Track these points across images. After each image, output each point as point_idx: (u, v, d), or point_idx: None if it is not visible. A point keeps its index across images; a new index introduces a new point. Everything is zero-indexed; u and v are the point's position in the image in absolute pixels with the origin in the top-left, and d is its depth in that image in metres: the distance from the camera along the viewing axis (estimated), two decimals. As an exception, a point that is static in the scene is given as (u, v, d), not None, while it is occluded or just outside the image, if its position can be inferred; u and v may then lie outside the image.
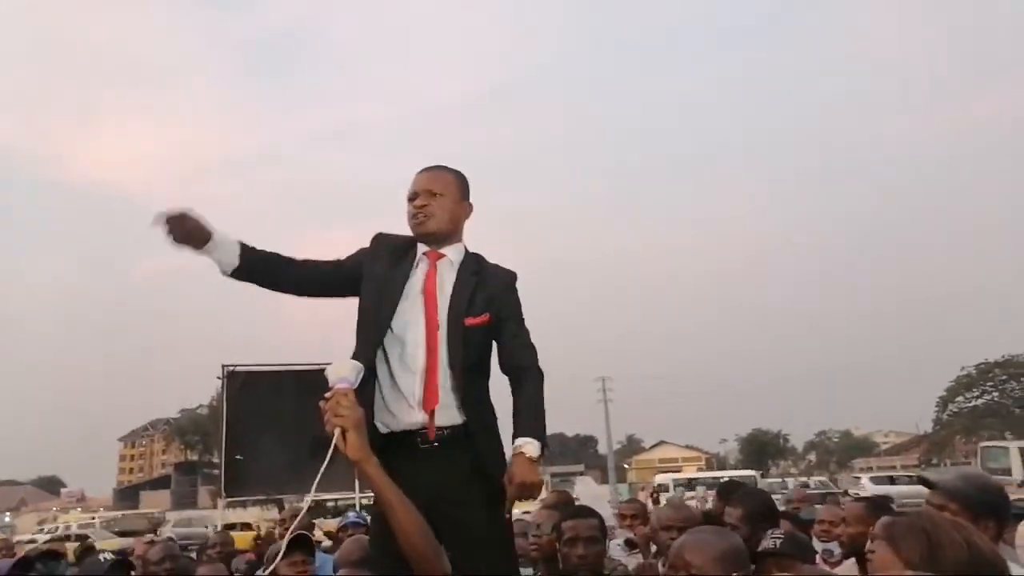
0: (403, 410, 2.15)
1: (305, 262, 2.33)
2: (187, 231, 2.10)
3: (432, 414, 2.12)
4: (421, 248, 2.32)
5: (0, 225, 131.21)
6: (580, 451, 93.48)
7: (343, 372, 1.68)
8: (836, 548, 3.28)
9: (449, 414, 2.13)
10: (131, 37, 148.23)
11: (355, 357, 2.02)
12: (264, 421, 10.92)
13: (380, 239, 2.36)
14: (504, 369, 2.27)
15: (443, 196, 2.30)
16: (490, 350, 2.29)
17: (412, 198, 2.30)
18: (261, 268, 2.26)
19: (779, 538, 2.52)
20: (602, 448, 72.55)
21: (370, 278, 2.28)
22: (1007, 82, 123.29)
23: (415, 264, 2.30)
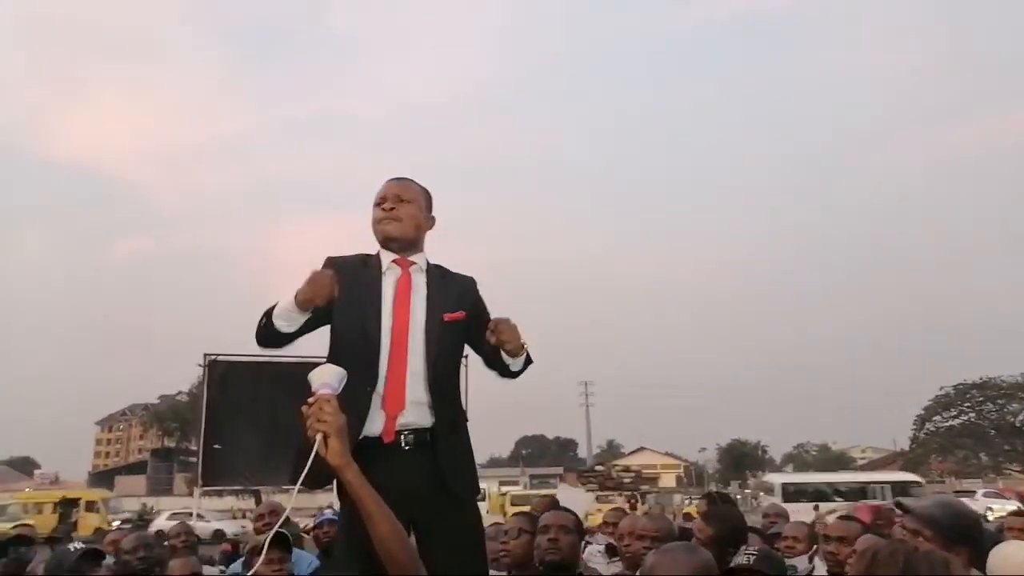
0: (375, 415, 2.16)
1: None
2: (314, 297, 2.13)
3: (394, 418, 2.15)
4: (388, 256, 2.35)
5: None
6: (560, 454, 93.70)
7: (326, 378, 1.68)
8: (800, 564, 3.30)
9: (418, 415, 2.17)
10: (122, 14, 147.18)
11: None
12: (244, 412, 10.87)
13: (333, 262, 2.35)
14: (490, 362, 2.33)
15: (411, 204, 2.36)
16: (462, 352, 2.36)
17: (380, 203, 2.35)
18: (296, 333, 2.28)
19: (753, 555, 2.54)
20: (582, 452, 72.61)
21: (340, 295, 2.24)
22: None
23: (383, 272, 2.33)
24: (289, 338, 2.24)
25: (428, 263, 2.40)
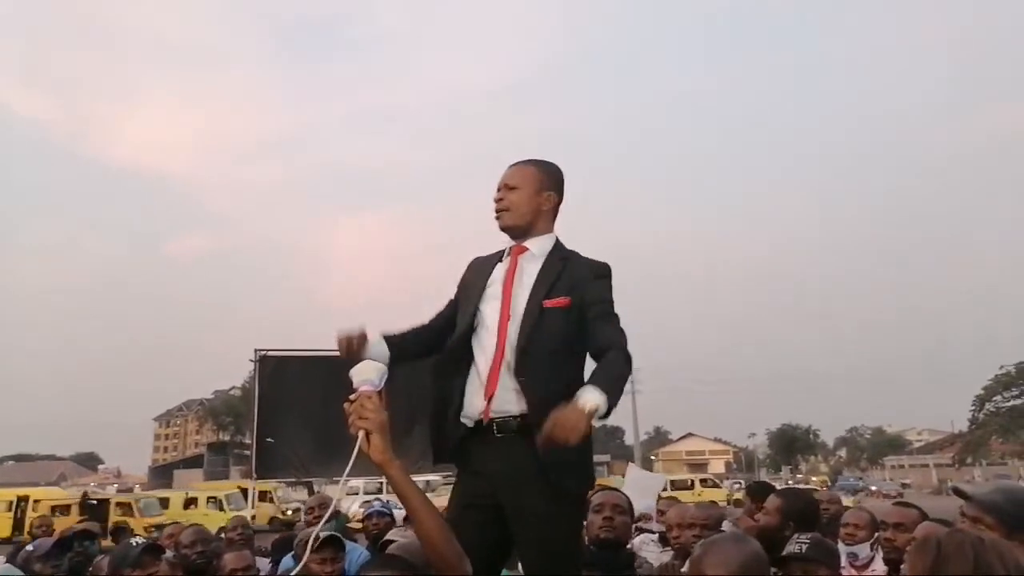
0: (475, 398, 2.20)
1: (435, 323, 2.44)
2: (355, 350, 2.20)
3: (490, 401, 2.15)
4: (509, 244, 2.38)
5: (41, 203, 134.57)
6: (606, 442, 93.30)
7: (367, 374, 1.69)
8: (862, 551, 3.22)
9: (508, 402, 2.15)
10: (172, 18, 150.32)
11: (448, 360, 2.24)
12: (295, 405, 11.09)
13: (473, 262, 2.47)
14: (592, 353, 2.20)
15: (519, 190, 2.32)
16: (576, 337, 2.21)
17: (496, 192, 2.37)
18: (411, 351, 2.37)
19: (805, 543, 2.49)
20: (628, 439, 72.25)
21: (463, 292, 2.41)
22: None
23: (500, 260, 2.36)
24: (402, 359, 2.32)
25: (554, 246, 2.35)
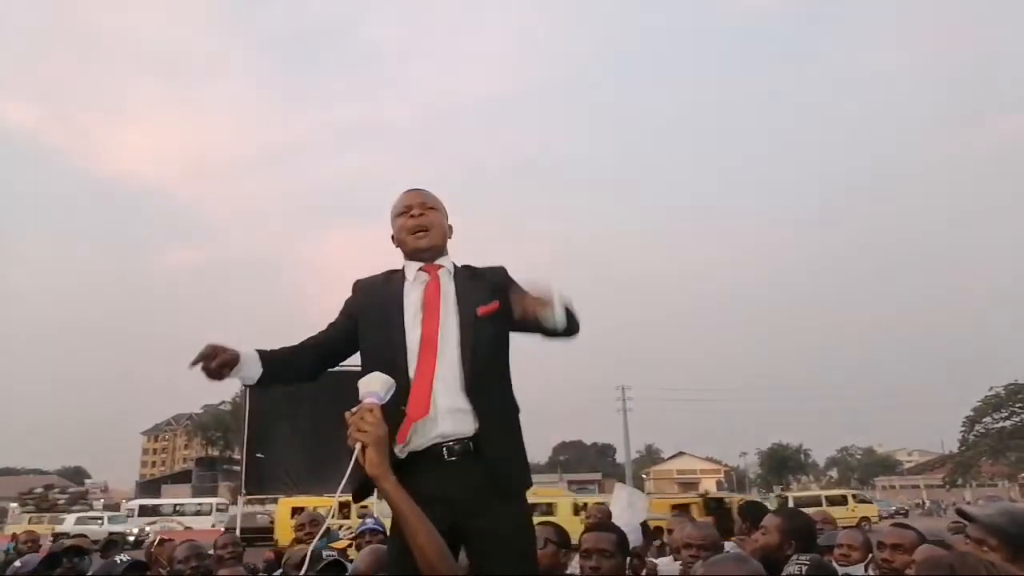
0: (415, 424, 2.07)
1: (314, 344, 2.32)
2: (221, 365, 2.07)
3: (431, 425, 2.05)
4: (413, 266, 2.32)
5: (30, 214, 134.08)
6: (598, 460, 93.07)
7: (372, 386, 1.67)
8: (855, 573, 3.21)
9: (458, 424, 2.07)
10: (164, 30, 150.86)
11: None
12: (285, 421, 11.03)
13: (359, 283, 2.39)
14: (542, 332, 2.19)
15: (437, 211, 2.36)
16: (507, 347, 2.25)
17: (405, 211, 2.33)
18: (280, 370, 2.23)
19: (805, 564, 2.49)
20: (620, 457, 72.02)
21: (365, 316, 2.28)
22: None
23: (410, 281, 2.29)
24: (270, 381, 2.21)
25: (456, 265, 2.36)
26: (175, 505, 35.41)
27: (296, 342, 2.31)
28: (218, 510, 33.49)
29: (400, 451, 2.04)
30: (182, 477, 66.52)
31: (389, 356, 2.11)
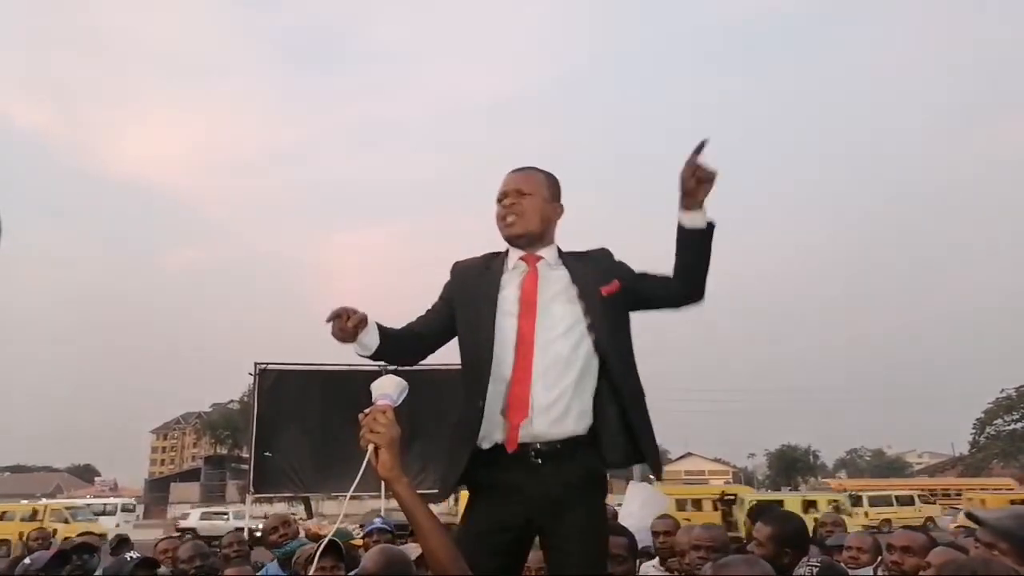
0: (494, 425, 2.05)
1: (419, 334, 2.26)
2: (356, 323, 2.01)
3: (516, 427, 2.01)
4: (515, 254, 2.23)
5: (39, 215, 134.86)
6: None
7: (386, 388, 1.66)
8: (864, 575, 3.20)
9: (553, 425, 2.01)
10: (172, 30, 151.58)
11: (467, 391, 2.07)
12: (294, 419, 11.03)
13: (458, 266, 2.31)
14: (668, 292, 2.16)
15: (533, 196, 2.20)
16: (629, 328, 2.19)
17: (501, 199, 2.22)
18: (392, 348, 2.16)
19: (815, 566, 2.47)
20: (628, 458, 71.58)
21: (460, 306, 2.22)
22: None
23: (509, 271, 2.20)
24: (381, 355, 2.15)
25: (560, 252, 2.25)
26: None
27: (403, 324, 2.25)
28: (123, 510, 32.68)
29: (494, 445, 2.04)
30: (191, 475, 66.70)
31: (486, 355, 2.06)
